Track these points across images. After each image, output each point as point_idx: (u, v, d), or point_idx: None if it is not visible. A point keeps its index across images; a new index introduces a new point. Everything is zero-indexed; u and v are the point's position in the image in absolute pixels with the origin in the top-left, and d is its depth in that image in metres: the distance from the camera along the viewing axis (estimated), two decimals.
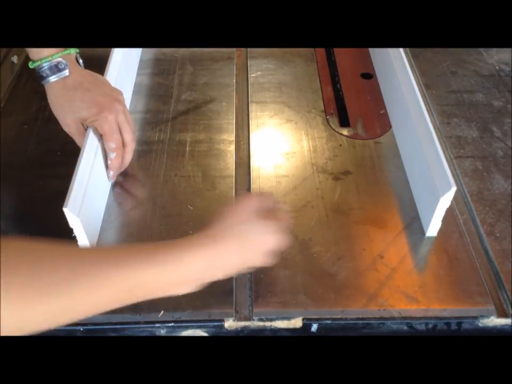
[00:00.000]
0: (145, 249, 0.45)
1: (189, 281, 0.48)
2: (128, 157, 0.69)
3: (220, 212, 0.52)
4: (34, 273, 0.39)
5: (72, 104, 0.65)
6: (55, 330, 0.54)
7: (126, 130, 0.67)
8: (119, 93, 0.69)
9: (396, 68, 0.76)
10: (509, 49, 0.92)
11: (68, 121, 0.66)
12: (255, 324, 0.56)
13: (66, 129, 0.66)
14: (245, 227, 0.51)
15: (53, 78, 0.65)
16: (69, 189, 0.57)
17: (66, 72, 0.65)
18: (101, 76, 0.69)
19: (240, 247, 0.50)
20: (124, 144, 0.68)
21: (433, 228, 0.62)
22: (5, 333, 0.38)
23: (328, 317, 0.56)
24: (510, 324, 0.56)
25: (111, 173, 0.68)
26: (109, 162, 0.67)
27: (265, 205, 0.54)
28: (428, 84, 0.85)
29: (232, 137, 0.76)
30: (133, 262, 0.43)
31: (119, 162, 0.68)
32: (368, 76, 0.89)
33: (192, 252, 0.47)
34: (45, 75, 0.65)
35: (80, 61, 0.69)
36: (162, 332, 0.56)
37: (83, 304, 0.42)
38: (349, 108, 0.82)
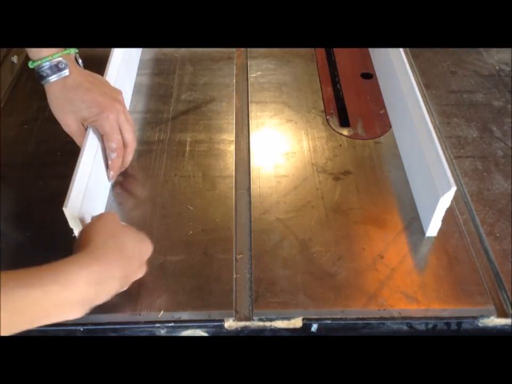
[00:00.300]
0: (29, 271, 0.44)
1: (77, 303, 0.47)
2: (129, 157, 0.69)
3: (84, 232, 0.52)
4: None
5: (72, 104, 0.65)
6: (55, 330, 0.55)
7: (127, 130, 0.67)
8: (119, 92, 0.69)
9: (396, 68, 0.76)
10: (509, 49, 0.92)
11: (68, 121, 0.66)
12: (255, 324, 0.56)
13: (66, 129, 0.66)
14: (120, 239, 0.51)
15: (53, 78, 0.65)
16: (69, 189, 0.57)
17: (66, 72, 0.65)
18: (100, 76, 0.69)
19: (120, 261, 0.50)
20: (124, 144, 0.68)
21: (433, 228, 0.62)
22: None
23: (328, 317, 0.56)
24: (510, 323, 0.56)
25: (112, 173, 0.68)
26: (110, 162, 0.67)
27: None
28: (427, 84, 0.85)
29: (232, 137, 0.76)
30: (15, 283, 0.42)
31: (120, 163, 0.68)
32: (368, 75, 0.89)
33: (76, 271, 0.46)
34: (45, 75, 0.65)
35: (80, 61, 0.69)
36: (162, 332, 0.56)
37: None
38: (349, 108, 0.82)
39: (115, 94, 0.68)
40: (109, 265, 0.49)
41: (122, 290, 0.53)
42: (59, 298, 0.45)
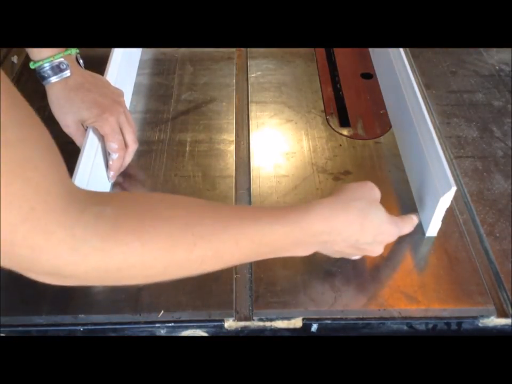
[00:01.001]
0: (276, 210, 0.50)
1: (311, 243, 0.52)
2: (129, 157, 0.69)
3: (341, 186, 0.55)
4: (183, 224, 0.43)
5: (73, 104, 0.65)
6: (55, 330, 0.55)
7: (128, 131, 0.67)
8: (120, 94, 0.69)
9: (395, 68, 0.76)
10: (509, 49, 0.92)
11: (68, 122, 0.66)
12: (255, 324, 0.56)
13: (66, 130, 0.66)
14: (369, 207, 0.53)
15: (54, 79, 0.65)
16: None
17: (68, 73, 0.65)
18: (101, 76, 0.69)
19: (360, 223, 0.52)
20: (125, 145, 0.67)
21: (433, 228, 0.62)
22: (150, 277, 0.44)
23: (328, 317, 0.56)
24: (510, 323, 0.56)
25: (112, 173, 0.68)
26: (110, 162, 0.67)
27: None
28: (428, 84, 0.85)
29: (232, 137, 0.76)
30: (267, 219, 0.48)
31: (121, 163, 0.68)
32: (368, 75, 0.89)
33: (315, 214, 0.50)
34: (46, 75, 0.65)
35: (81, 61, 0.69)
36: (162, 332, 0.56)
37: (223, 255, 0.46)
38: (349, 108, 0.82)
39: (115, 96, 0.68)
40: (347, 218, 0.51)
41: (353, 256, 0.58)
42: (298, 238, 0.50)
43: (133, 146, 0.69)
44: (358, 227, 0.52)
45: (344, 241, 0.53)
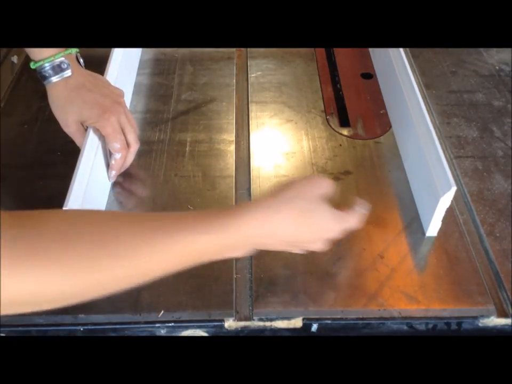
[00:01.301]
0: (204, 216, 0.47)
1: (243, 246, 0.50)
2: (131, 157, 0.69)
3: (283, 184, 0.52)
4: (98, 242, 0.41)
5: (73, 104, 0.65)
6: (55, 330, 0.55)
7: (129, 131, 0.67)
8: (120, 94, 0.69)
9: (395, 68, 0.76)
10: (509, 49, 0.92)
11: (68, 121, 0.66)
12: (255, 324, 0.56)
13: (66, 129, 0.66)
14: (310, 206, 0.50)
15: (55, 78, 0.64)
16: (69, 189, 0.57)
17: (68, 72, 0.65)
18: (101, 76, 0.69)
19: (296, 222, 0.50)
20: (128, 145, 0.67)
21: (433, 228, 0.62)
22: (68, 299, 0.41)
23: (328, 317, 0.56)
24: (510, 323, 0.56)
25: (113, 172, 0.68)
26: (113, 162, 0.67)
27: (331, 193, 0.53)
28: (427, 83, 0.85)
29: (232, 137, 0.76)
30: (193, 228, 0.45)
31: (122, 163, 0.68)
32: (368, 75, 0.89)
33: (248, 217, 0.48)
34: (47, 75, 0.65)
35: (81, 60, 0.69)
36: (162, 332, 0.56)
37: (147, 269, 0.44)
38: (349, 108, 0.82)
39: (116, 96, 0.68)
40: (282, 219, 0.49)
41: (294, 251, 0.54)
42: (228, 243, 0.47)
43: (134, 146, 0.69)
44: (296, 227, 0.50)
45: (282, 242, 0.51)
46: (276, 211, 0.49)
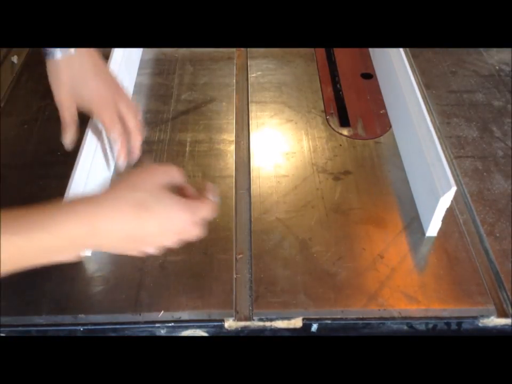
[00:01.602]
0: (18, 215, 0.42)
1: (71, 248, 0.44)
2: (137, 143, 0.66)
3: (123, 178, 0.48)
4: None
5: (74, 87, 0.63)
6: (55, 330, 0.55)
7: (129, 118, 0.65)
8: (121, 83, 0.68)
9: (395, 68, 0.76)
10: (509, 49, 0.92)
11: (62, 99, 0.63)
12: (255, 324, 0.56)
13: (57, 103, 0.64)
14: (150, 197, 0.46)
15: (58, 53, 0.62)
16: (67, 188, 0.57)
17: (72, 50, 0.63)
18: (104, 63, 0.67)
19: (135, 217, 0.45)
20: (129, 132, 0.66)
21: (433, 228, 0.62)
22: None
23: (328, 317, 0.56)
24: (510, 323, 0.56)
25: (120, 161, 0.65)
26: (116, 152, 0.65)
27: (178, 181, 0.50)
28: (427, 83, 0.85)
29: (232, 137, 0.76)
30: (5, 229, 0.40)
31: (125, 150, 0.65)
32: (368, 75, 0.89)
33: (70, 215, 0.43)
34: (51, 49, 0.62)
35: None
36: (162, 332, 0.56)
37: None
38: (349, 108, 0.82)
39: (117, 85, 0.66)
40: (114, 216, 0.44)
41: (136, 253, 0.49)
42: (53, 243, 0.42)
43: (135, 132, 0.66)
44: (137, 222, 0.45)
45: (123, 240, 0.46)
46: (107, 207, 0.44)
